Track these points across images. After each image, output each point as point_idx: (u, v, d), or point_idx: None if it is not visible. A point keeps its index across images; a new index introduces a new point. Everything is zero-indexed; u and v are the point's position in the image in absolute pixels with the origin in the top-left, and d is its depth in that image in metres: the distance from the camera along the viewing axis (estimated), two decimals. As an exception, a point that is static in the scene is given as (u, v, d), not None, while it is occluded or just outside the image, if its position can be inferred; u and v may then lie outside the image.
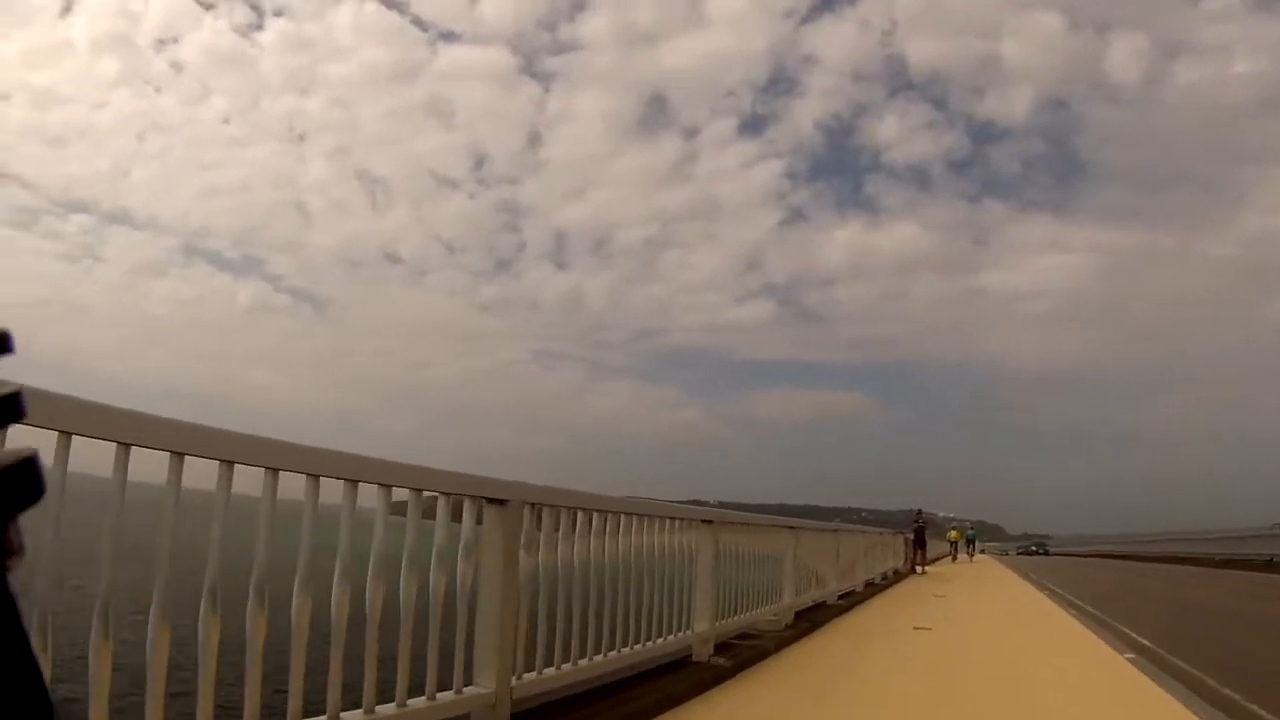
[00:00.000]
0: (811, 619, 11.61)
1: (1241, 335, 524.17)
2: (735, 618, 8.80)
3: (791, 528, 11.68)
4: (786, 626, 10.46)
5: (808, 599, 12.30)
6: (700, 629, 7.53)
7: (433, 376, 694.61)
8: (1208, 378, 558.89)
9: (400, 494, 4.01)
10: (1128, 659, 9.93)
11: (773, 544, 10.80)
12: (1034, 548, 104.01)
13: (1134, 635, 12.37)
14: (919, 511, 31.21)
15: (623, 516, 6.23)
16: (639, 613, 6.23)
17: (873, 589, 18.76)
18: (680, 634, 7.16)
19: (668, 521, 7.14)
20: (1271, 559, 37.61)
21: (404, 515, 4.02)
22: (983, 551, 63.04)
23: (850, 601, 15.09)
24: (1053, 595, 21.07)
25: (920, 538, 29.75)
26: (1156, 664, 9.58)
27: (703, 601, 7.62)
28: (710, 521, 8.24)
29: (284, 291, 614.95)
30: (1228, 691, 7.94)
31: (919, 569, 28.58)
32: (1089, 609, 16.83)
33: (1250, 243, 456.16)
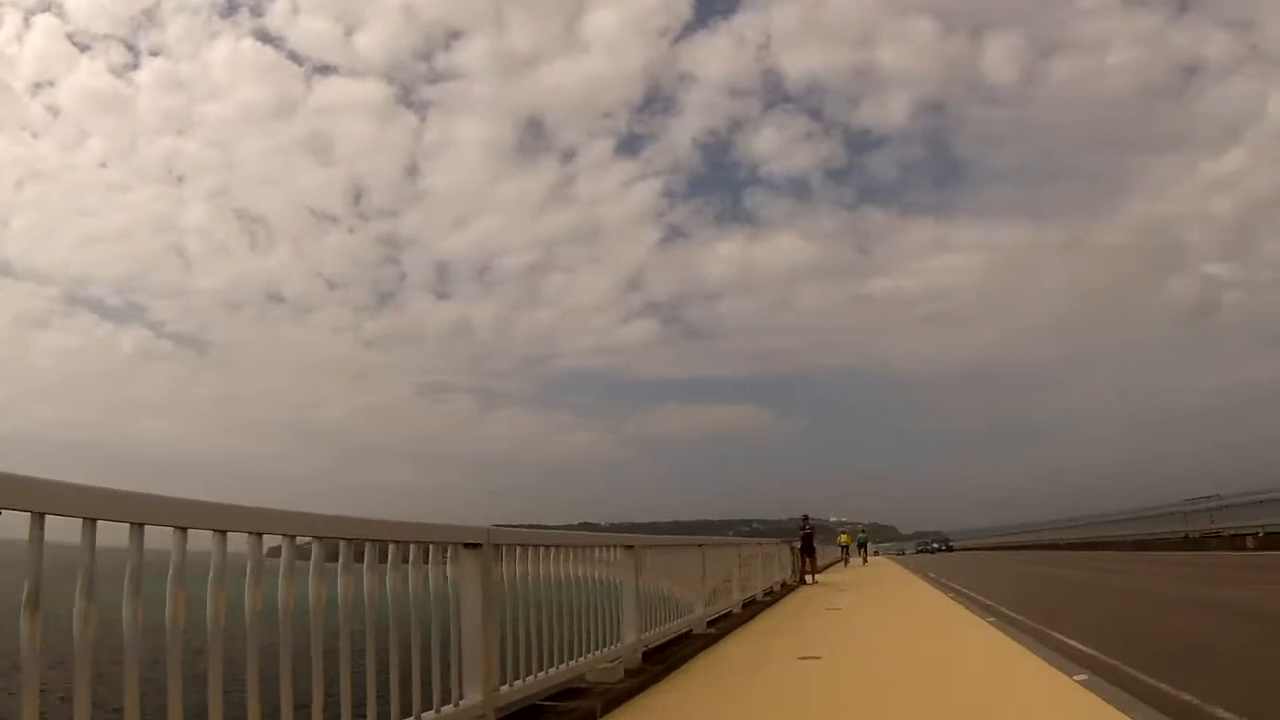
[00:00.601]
0: (666, 657, 9.54)
1: (1137, 320, 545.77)
2: (539, 675, 6.62)
3: (630, 546, 9.37)
4: (628, 673, 8.18)
5: (661, 633, 10.20)
6: (471, 700, 5.55)
7: (324, 416, 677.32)
8: (1105, 366, 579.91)
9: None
10: (1078, 680, 7.66)
11: (607, 568, 8.65)
12: (934, 544, 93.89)
13: (1071, 643, 10.26)
14: (805, 518, 29.35)
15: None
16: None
17: (755, 608, 16.79)
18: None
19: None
20: (1187, 535, 36.18)
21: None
22: (876, 553, 61.93)
23: (724, 628, 12.84)
24: (959, 597, 18.61)
25: (808, 545, 28.52)
26: (1122, 684, 7.40)
27: (471, 662, 5.63)
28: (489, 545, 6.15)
29: (166, 337, 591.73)
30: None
31: (809, 579, 27.50)
32: (1006, 611, 14.61)
33: (1138, 230, 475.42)
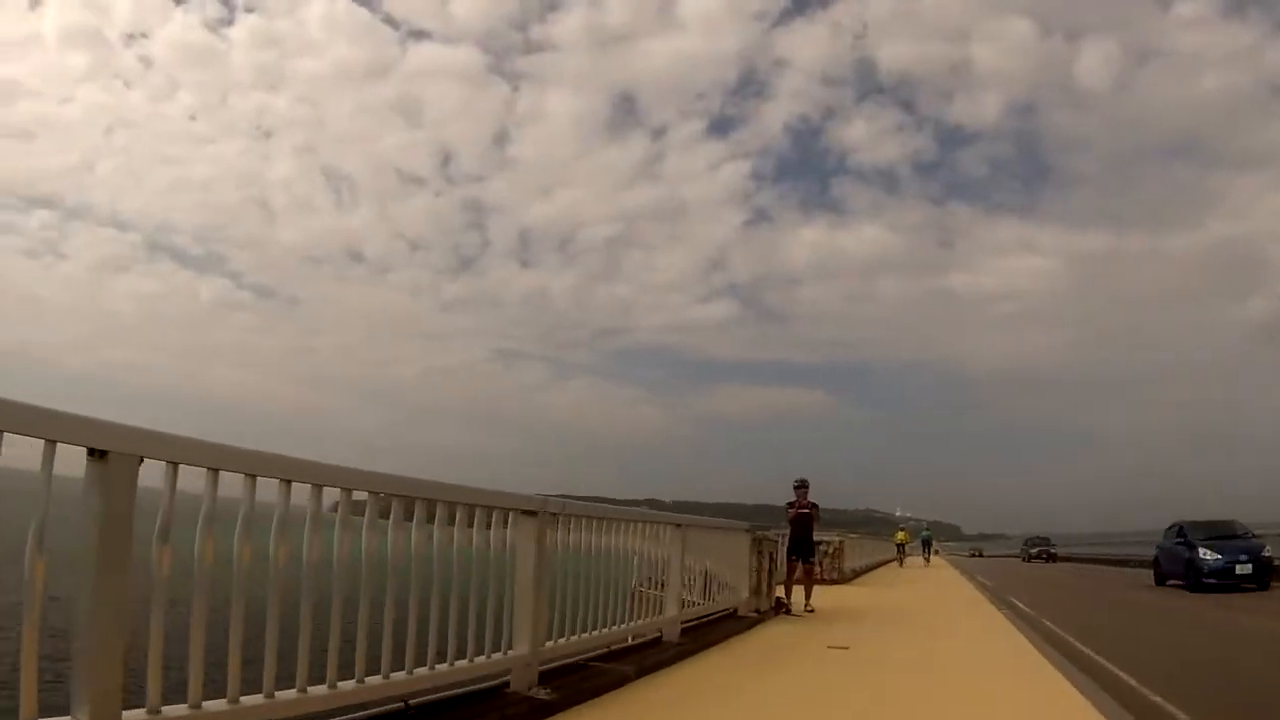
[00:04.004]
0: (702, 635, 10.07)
1: (1210, 337, 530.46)
2: (582, 635, 7.32)
3: (679, 525, 10.18)
4: (669, 644, 9.16)
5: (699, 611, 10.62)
6: (519, 651, 6.22)
7: (396, 375, 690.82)
8: (1175, 379, 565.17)
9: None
10: None
11: (655, 544, 9.78)
12: (1035, 550, 63.18)
13: None
14: (800, 484, 15.75)
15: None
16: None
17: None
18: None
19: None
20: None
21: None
22: (936, 553, 60.47)
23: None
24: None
25: (801, 537, 15.19)
26: None
27: (522, 618, 6.41)
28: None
29: (246, 288, 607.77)
30: None
31: (789, 602, 14.56)
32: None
33: (1217, 247, 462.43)
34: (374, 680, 4.64)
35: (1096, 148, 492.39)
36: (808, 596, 14.95)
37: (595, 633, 7.42)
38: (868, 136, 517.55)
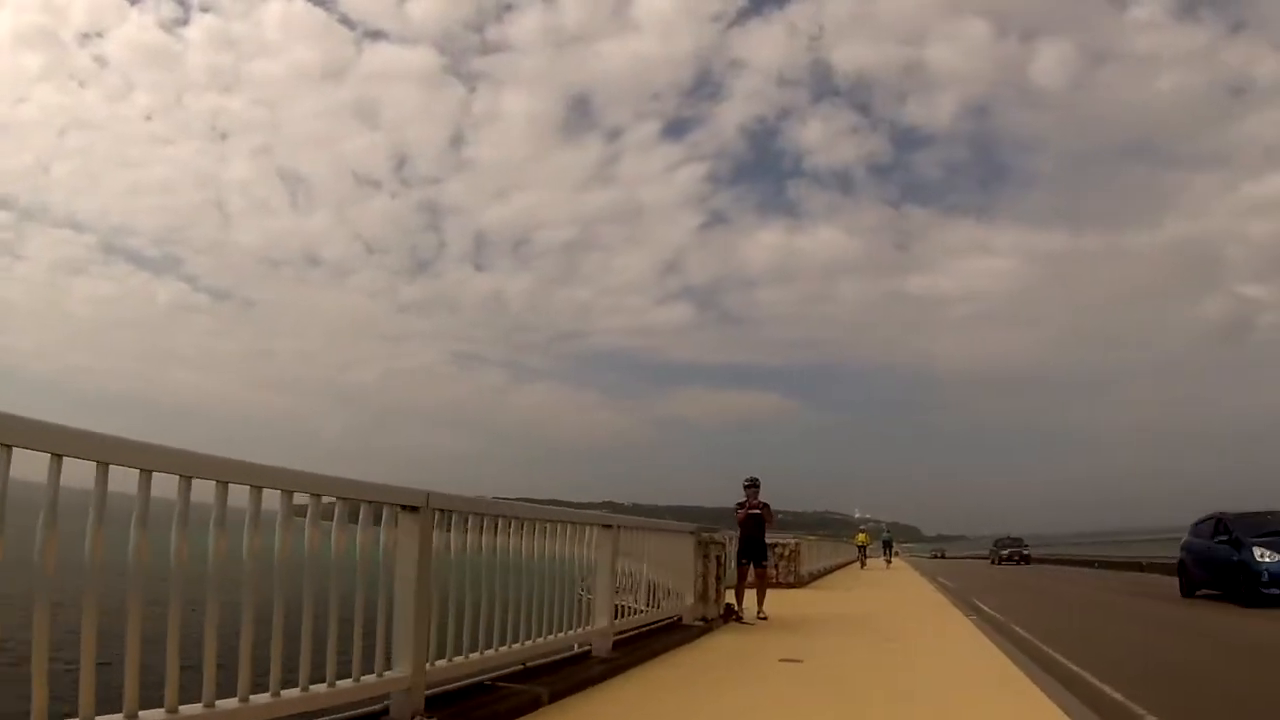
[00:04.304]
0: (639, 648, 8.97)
1: (1170, 335, 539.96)
2: (484, 652, 6.35)
3: (609, 525, 8.94)
4: (598, 660, 8.08)
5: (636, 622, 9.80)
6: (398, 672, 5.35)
7: (356, 379, 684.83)
8: (1137, 378, 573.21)
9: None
10: None
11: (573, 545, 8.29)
12: (1006, 552, 57.28)
13: None
14: (750, 483, 14.65)
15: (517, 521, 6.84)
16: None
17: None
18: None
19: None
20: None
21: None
22: (897, 554, 59.70)
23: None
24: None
25: (751, 540, 14.23)
26: None
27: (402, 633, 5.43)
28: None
29: (202, 291, 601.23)
30: None
31: (739, 613, 13.45)
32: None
33: (1176, 246, 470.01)
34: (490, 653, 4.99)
35: (1053, 148, 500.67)
36: (760, 603, 13.96)
37: (504, 649, 6.35)
38: (823, 138, 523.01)
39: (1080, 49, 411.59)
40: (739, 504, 14.59)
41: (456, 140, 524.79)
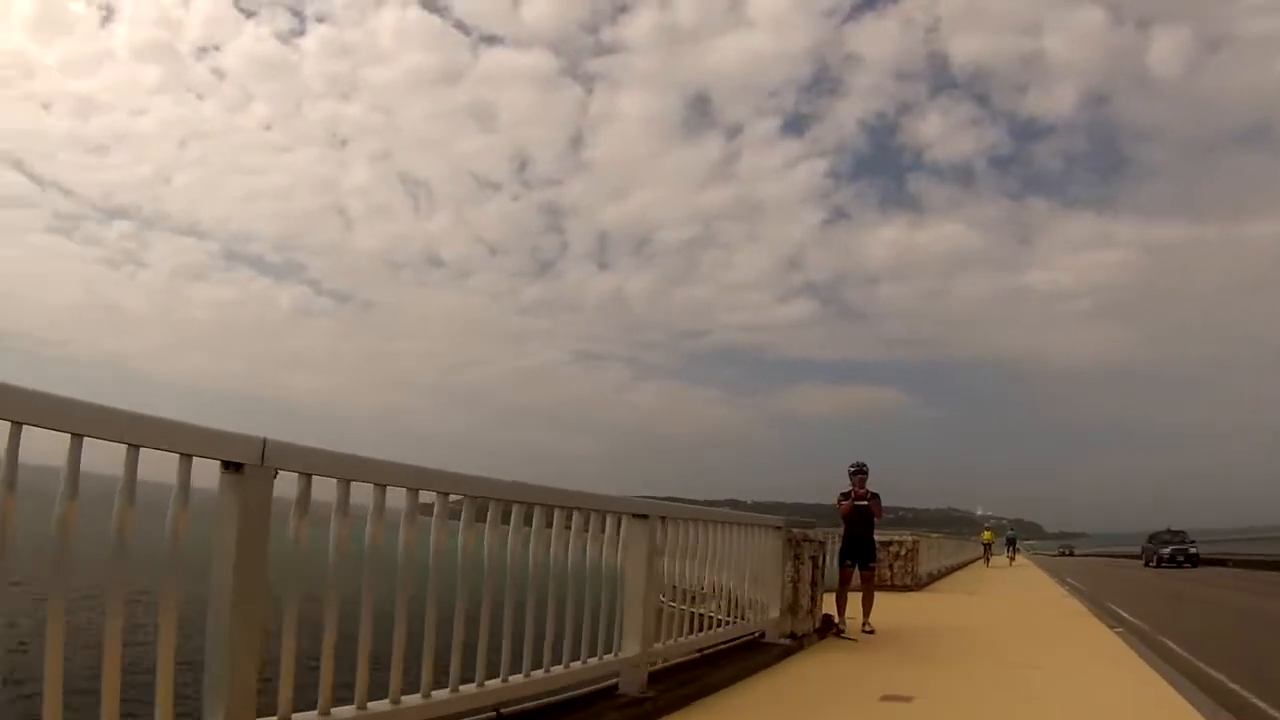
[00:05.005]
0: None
1: None
2: (690, 636, 7.63)
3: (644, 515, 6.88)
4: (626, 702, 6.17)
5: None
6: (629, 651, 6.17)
7: (477, 377, 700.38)
8: (1255, 372, 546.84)
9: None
10: None
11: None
12: (1168, 550, 44.40)
13: None
14: (859, 467, 12.23)
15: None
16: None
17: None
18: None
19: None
20: None
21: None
22: (1019, 552, 57.31)
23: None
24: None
25: (860, 536, 12.19)
26: None
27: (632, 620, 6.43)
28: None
29: (325, 294, 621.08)
30: None
31: (840, 625, 11.35)
32: None
33: None
34: (468, 689, 4.54)
35: (1171, 137, 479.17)
36: (866, 613, 11.87)
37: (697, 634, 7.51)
38: (943, 132, 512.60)
39: (1196, 34, 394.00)
40: (843, 494, 12.36)
41: (575, 141, 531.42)
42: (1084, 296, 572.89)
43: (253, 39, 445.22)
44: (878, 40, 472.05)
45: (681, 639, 7.43)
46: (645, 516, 6.65)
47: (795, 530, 10.52)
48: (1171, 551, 43.47)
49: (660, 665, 6.92)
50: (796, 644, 9.78)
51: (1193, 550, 43.28)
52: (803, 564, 10.38)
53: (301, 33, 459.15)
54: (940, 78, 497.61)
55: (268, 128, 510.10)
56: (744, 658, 8.47)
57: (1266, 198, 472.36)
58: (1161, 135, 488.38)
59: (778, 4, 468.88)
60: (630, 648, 6.33)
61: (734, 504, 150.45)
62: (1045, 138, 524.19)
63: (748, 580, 9.22)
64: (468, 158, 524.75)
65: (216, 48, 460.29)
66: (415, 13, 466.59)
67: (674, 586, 7.77)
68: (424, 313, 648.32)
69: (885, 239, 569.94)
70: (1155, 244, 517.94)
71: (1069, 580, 29.42)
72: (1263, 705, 7.66)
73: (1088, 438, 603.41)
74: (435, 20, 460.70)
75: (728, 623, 8.70)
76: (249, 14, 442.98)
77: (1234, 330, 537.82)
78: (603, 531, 6.20)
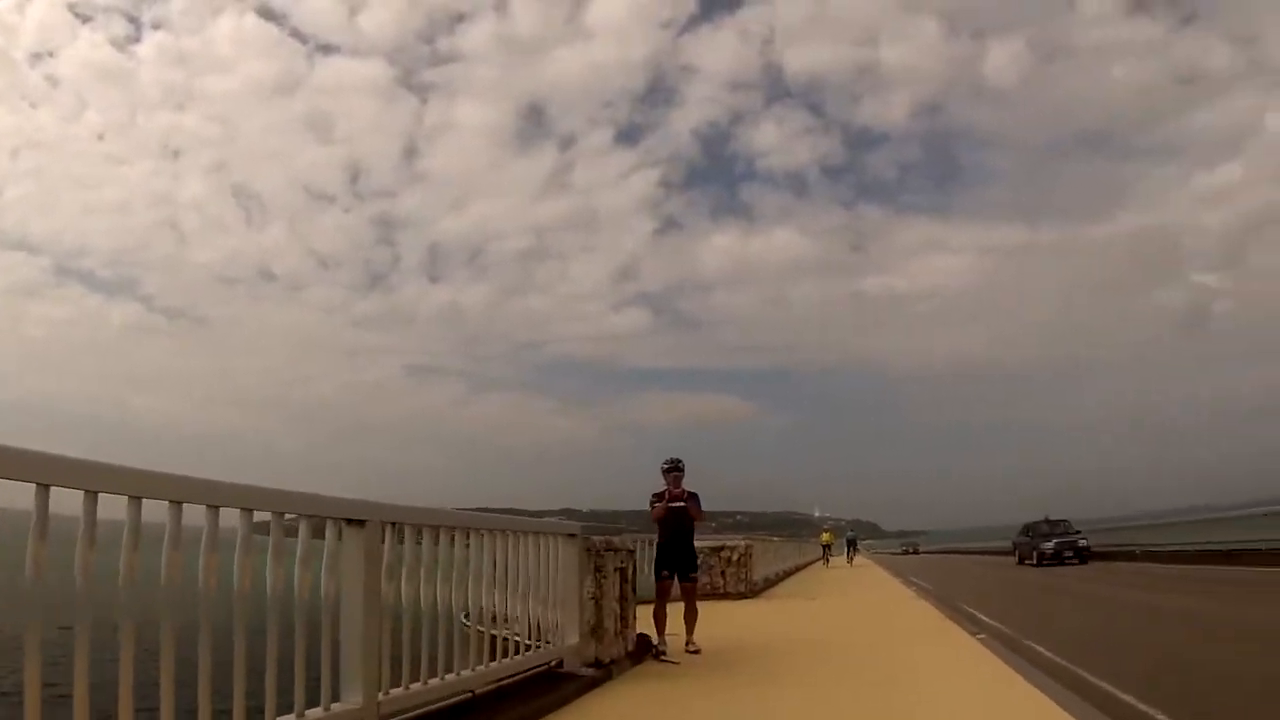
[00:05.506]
0: None
1: (1129, 326, 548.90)
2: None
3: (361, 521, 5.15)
4: None
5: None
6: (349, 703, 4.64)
7: (314, 394, 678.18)
8: (1094, 370, 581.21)
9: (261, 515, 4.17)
10: None
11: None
12: (1054, 545, 35.42)
13: None
14: (673, 464, 10.29)
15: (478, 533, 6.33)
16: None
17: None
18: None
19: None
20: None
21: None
22: (859, 552, 57.80)
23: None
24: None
25: (678, 542, 10.36)
26: None
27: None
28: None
29: (158, 311, 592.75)
30: None
31: (658, 646, 9.64)
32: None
33: (1132, 237, 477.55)
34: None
35: (1008, 144, 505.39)
36: (690, 631, 10.19)
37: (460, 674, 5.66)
38: (777, 141, 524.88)
39: (1032, 45, 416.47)
40: (655, 495, 10.46)
41: (410, 152, 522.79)
42: (924, 300, 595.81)
43: (88, 45, 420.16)
44: (713, 50, 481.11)
45: (438, 681, 5.48)
46: (362, 523, 4.81)
47: (595, 538, 8.73)
48: (1057, 546, 35.18)
49: (422, 711, 5.31)
50: (603, 673, 7.99)
51: (1082, 543, 35.18)
52: (606, 577, 8.59)
53: (138, 39, 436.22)
54: (775, 87, 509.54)
55: (101, 137, 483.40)
56: (535, 695, 6.62)
57: (1105, 201, 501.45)
58: (999, 143, 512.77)
59: (616, 15, 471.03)
60: (350, 698, 4.65)
61: (569, 513, 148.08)
62: (879, 146, 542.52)
63: (534, 600, 7.40)
64: (302, 169, 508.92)
65: (51, 54, 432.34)
66: (252, 20, 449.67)
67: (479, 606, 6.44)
68: (260, 328, 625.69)
69: (719, 247, 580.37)
70: (993, 247, 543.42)
71: (912, 579, 28.44)
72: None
73: (925, 439, 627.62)
74: (272, 29, 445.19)
75: (527, 649, 7.04)
76: (85, 19, 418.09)
77: (1077, 330, 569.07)
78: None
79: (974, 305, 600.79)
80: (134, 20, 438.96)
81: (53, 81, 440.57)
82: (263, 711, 4.05)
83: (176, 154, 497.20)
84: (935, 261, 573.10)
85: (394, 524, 5.12)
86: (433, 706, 5.45)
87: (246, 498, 4.03)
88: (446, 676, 5.62)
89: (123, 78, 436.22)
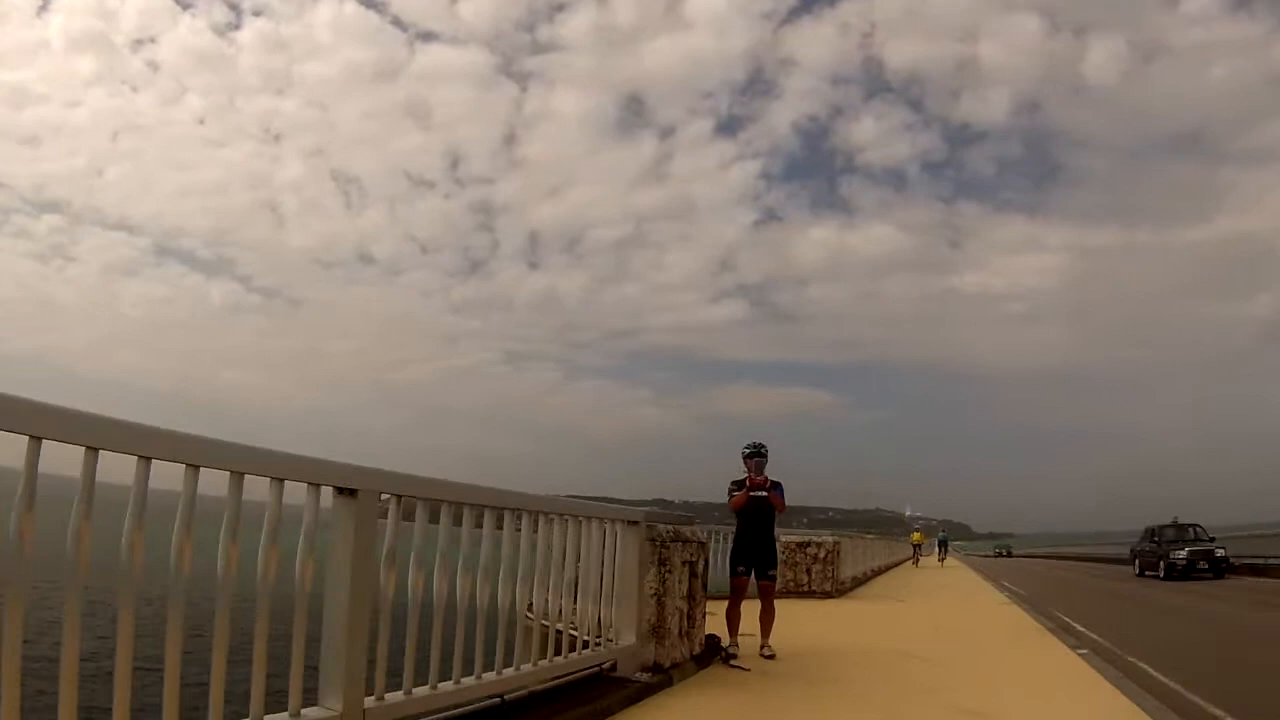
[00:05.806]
0: None
1: (1220, 334, 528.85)
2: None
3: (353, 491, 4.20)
4: None
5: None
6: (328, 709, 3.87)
7: (407, 377, 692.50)
8: (1185, 375, 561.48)
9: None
10: None
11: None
12: (1186, 554, 28.28)
13: None
14: (755, 449, 9.37)
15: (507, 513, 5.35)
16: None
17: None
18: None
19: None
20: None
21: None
22: (949, 554, 56.84)
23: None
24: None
25: (757, 536, 9.48)
26: None
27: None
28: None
29: (255, 291, 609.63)
30: None
31: (727, 649, 8.75)
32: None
33: (1227, 243, 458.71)
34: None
35: (1104, 144, 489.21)
36: (765, 634, 9.27)
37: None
38: (876, 135, 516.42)
39: (1131, 44, 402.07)
40: (735, 483, 9.55)
41: (509, 139, 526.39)
42: (1017, 300, 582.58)
43: (189, 31, 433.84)
44: (813, 44, 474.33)
45: (449, 685, 4.61)
46: (354, 492, 3.93)
47: (661, 527, 7.66)
48: (1190, 555, 28.18)
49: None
50: (662, 679, 6.97)
51: (1219, 553, 28.40)
52: (672, 572, 7.56)
53: (238, 26, 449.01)
54: (875, 82, 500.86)
55: (201, 121, 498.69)
56: (578, 703, 5.68)
57: (1196, 205, 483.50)
58: (1094, 142, 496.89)
59: (716, 5, 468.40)
60: (329, 703, 3.85)
61: (662, 504, 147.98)
62: (978, 143, 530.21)
63: (583, 595, 6.55)
64: (401, 155, 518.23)
65: (152, 39, 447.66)
66: (352, 7, 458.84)
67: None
68: (356, 311, 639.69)
69: (816, 240, 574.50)
70: (1087, 249, 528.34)
71: (1004, 583, 26.73)
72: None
73: (1019, 439, 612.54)
74: (372, 16, 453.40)
75: (571, 650, 6.21)
76: (185, 6, 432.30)
77: (1166, 334, 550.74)
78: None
79: (1066, 306, 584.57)
80: (234, 7, 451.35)
81: (153, 66, 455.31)
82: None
83: (277, 138, 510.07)
84: (1030, 261, 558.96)
85: (397, 496, 4.25)
86: (436, 718, 4.55)
87: (204, 453, 3.27)
88: (463, 680, 4.74)
89: (223, 63, 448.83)
